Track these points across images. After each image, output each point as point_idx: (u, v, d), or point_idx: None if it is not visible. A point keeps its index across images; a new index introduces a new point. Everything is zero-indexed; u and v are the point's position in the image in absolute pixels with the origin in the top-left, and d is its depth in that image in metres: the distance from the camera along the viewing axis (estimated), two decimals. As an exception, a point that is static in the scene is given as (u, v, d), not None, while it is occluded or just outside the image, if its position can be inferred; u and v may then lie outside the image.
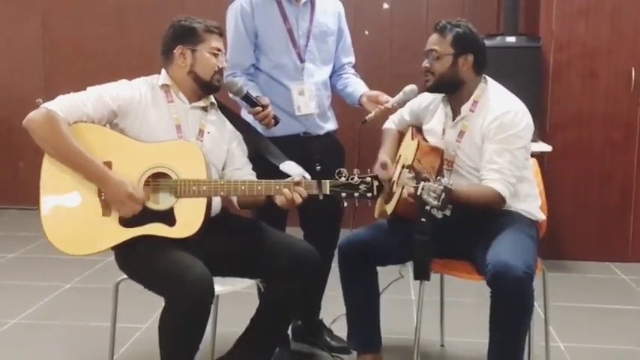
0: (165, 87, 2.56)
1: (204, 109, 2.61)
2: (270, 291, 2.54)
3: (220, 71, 2.57)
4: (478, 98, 2.66)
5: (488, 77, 2.73)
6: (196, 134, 2.55)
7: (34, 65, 5.77)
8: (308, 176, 2.45)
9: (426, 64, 2.67)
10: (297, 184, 2.39)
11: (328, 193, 2.38)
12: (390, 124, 3.00)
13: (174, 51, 2.53)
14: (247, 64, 2.92)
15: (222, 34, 2.60)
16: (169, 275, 2.23)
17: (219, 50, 2.55)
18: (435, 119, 2.79)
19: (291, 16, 2.91)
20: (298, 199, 2.38)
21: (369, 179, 2.37)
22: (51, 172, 2.39)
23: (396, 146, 2.92)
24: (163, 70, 2.59)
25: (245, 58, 2.92)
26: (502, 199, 2.55)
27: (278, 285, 2.50)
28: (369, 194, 2.37)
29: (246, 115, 2.87)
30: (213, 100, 2.65)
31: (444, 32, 2.63)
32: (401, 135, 2.96)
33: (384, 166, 2.65)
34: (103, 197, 2.37)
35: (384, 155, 2.78)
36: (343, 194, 2.37)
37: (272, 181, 2.41)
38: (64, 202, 2.39)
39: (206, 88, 2.57)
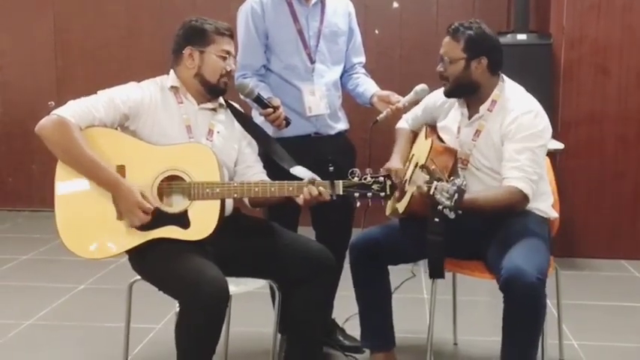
0: (174, 89, 2.57)
1: (213, 110, 2.62)
2: (293, 305, 2.54)
3: (228, 74, 2.57)
4: (497, 98, 2.65)
5: (505, 76, 2.72)
6: (206, 134, 2.56)
7: (46, 68, 5.80)
8: (318, 180, 2.45)
9: (439, 68, 2.67)
10: (313, 183, 2.39)
11: (342, 193, 2.39)
12: (403, 123, 3.00)
13: (184, 52, 2.54)
14: (258, 65, 2.92)
15: (232, 35, 2.60)
16: (184, 280, 2.23)
17: (228, 53, 2.56)
18: (449, 117, 2.78)
19: (302, 17, 2.91)
20: (326, 197, 2.38)
21: (381, 179, 2.38)
22: (65, 176, 2.39)
23: (409, 146, 2.92)
24: (172, 72, 2.60)
25: (256, 59, 2.92)
26: (525, 198, 2.52)
27: (295, 292, 2.51)
28: (382, 194, 2.38)
29: (257, 116, 2.88)
30: (222, 101, 2.65)
31: (456, 35, 2.62)
32: (414, 135, 2.97)
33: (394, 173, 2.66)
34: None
35: (396, 159, 2.78)
36: (356, 194, 2.38)
37: (285, 182, 2.42)
38: (78, 206, 2.40)
39: (212, 90, 2.57)
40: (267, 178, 2.61)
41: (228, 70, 2.56)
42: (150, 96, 2.51)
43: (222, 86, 2.57)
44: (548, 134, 2.63)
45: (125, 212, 2.35)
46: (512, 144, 2.56)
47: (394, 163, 2.75)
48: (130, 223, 2.36)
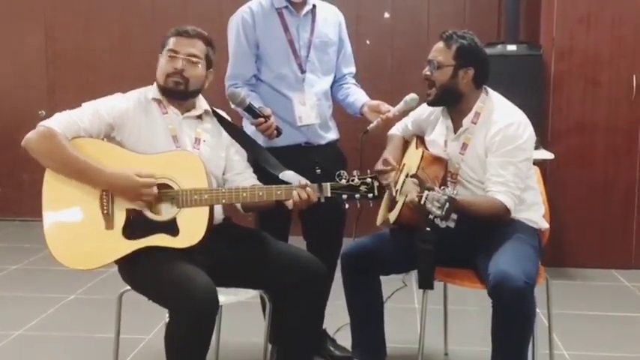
0: (157, 100, 2.56)
1: (199, 117, 2.61)
2: (284, 314, 2.54)
3: (175, 74, 2.49)
4: (480, 110, 2.66)
5: (489, 88, 2.73)
6: (192, 143, 2.56)
7: (38, 77, 5.79)
8: (308, 183, 2.45)
9: (426, 72, 2.68)
10: (303, 187, 2.39)
11: (329, 195, 2.39)
12: (395, 130, 3.01)
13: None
14: (249, 74, 2.93)
15: (192, 36, 2.52)
16: (173, 288, 2.23)
17: (175, 52, 2.50)
18: (436, 131, 2.79)
19: (292, 27, 2.92)
20: (314, 198, 2.38)
21: (369, 180, 2.38)
22: (53, 187, 2.39)
23: (401, 149, 2.93)
24: (155, 83, 2.59)
25: (247, 68, 2.93)
26: (507, 211, 2.55)
27: (286, 302, 2.50)
28: (370, 195, 2.38)
29: (248, 126, 2.88)
30: (207, 107, 2.64)
31: (449, 42, 2.63)
32: (406, 142, 2.97)
33: (385, 162, 2.65)
34: (105, 211, 2.37)
35: (387, 154, 2.80)
36: (344, 196, 2.38)
37: (273, 186, 2.42)
38: (66, 217, 2.39)
39: (164, 92, 2.54)
40: (258, 183, 2.60)
41: (172, 70, 2.49)
42: (135, 106, 2.51)
43: (172, 85, 2.50)
44: (531, 144, 2.65)
45: (133, 199, 2.35)
46: (496, 158, 2.58)
47: (386, 154, 2.76)
48: (144, 205, 2.36)
